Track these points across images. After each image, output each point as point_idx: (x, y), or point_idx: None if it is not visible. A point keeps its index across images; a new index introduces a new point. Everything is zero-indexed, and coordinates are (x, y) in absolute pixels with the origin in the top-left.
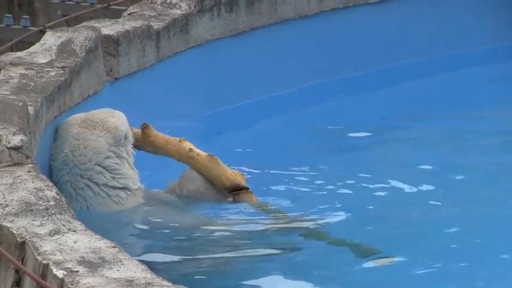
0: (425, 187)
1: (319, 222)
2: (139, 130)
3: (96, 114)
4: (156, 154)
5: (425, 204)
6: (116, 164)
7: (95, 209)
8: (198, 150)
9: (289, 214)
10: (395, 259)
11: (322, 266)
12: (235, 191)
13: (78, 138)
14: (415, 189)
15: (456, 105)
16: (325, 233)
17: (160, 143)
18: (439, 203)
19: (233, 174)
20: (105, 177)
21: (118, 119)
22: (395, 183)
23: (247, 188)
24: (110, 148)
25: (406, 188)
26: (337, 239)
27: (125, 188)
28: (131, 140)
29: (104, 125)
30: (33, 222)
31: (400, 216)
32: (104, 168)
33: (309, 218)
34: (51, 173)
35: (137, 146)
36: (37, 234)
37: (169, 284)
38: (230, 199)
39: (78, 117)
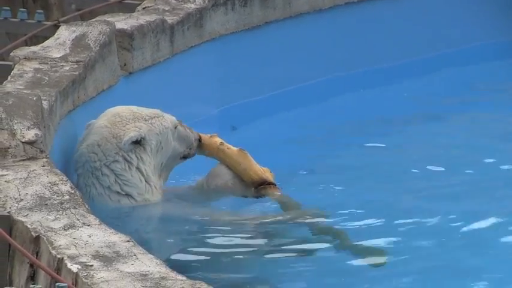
0: (441, 184)
1: (335, 219)
2: None
3: (132, 111)
4: None
5: (441, 205)
6: (123, 169)
7: (99, 206)
8: (228, 145)
9: (306, 209)
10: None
11: (337, 266)
12: (262, 185)
13: (97, 133)
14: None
15: (475, 100)
16: (342, 231)
17: None
18: (456, 203)
19: (262, 170)
20: (109, 180)
21: (144, 124)
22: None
23: (274, 184)
24: (119, 152)
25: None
26: (353, 244)
27: (128, 196)
28: (155, 147)
29: (124, 126)
30: (48, 216)
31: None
32: (111, 170)
33: (327, 214)
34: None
35: None
36: (51, 228)
37: (184, 278)
38: (254, 193)
39: (116, 109)
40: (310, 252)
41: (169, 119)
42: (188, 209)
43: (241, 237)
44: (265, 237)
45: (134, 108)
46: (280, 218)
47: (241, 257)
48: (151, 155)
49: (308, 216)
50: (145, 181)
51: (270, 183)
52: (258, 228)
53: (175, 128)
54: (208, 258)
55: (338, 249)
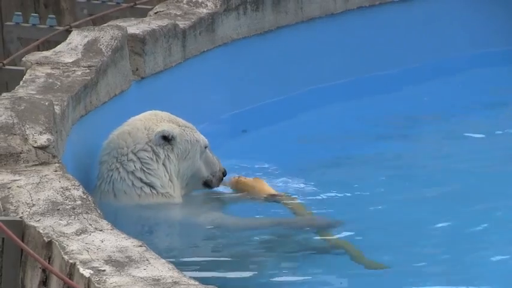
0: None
1: (347, 227)
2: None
3: (170, 116)
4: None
5: (445, 209)
6: (150, 158)
7: (119, 196)
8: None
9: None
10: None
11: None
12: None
13: (130, 124)
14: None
15: (485, 103)
16: (345, 241)
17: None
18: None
19: (275, 191)
20: (135, 166)
21: (177, 127)
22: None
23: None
24: (148, 143)
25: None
26: (354, 249)
27: (150, 186)
28: (182, 152)
29: (159, 122)
30: (60, 221)
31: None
32: (137, 157)
33: (339, 223)
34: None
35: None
36: (64, 233)
37: (196, 283)
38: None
39: (155, 111)
40: (319, 258)
41: (201, 137)
42: (197, 212)
43: (254, 243)
44: (277, 243)
45: (173, 115)
46: (290, 223)
47: (254, 261)
48: (177, 159)
49: (319, 224)
50: (169, 178)
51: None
52: (270, 234)
53: (205, 148)
54: (220, 262)
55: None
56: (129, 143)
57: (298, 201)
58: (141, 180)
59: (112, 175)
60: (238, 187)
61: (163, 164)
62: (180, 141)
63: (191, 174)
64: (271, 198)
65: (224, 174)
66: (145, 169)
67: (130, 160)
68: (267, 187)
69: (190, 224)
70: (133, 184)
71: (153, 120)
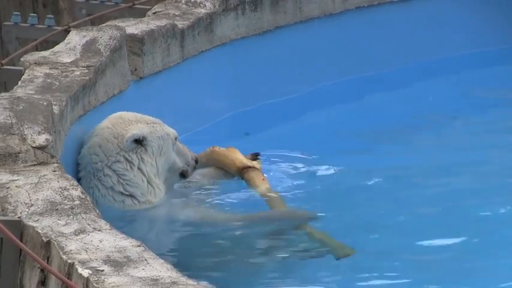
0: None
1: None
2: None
3: (135, 115)
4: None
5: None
6: (125, 169)
7: (104, 209)
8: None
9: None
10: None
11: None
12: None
13: (98, 134)
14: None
15: (485, 103)
16: (323, 232)
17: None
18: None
19: (249, 159)
20: (112, 180)
21: (146, 126)
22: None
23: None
24: (120, 152)
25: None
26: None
27: (131, 196)
28: (156, 150)
29: (126, 126)
30: (59, 221)
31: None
32: (113, 170)
33: (316, 216)
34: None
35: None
36: (62, 233)
37: (194, 283)
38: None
39: (120, 112)
40: (301, 253)
41: (170, 129)
42: (180, 209)
43: (252, 240)
44: (273, 242)
45: (137, 114)
46: (270, 217)
47: (251, 260)
48: (152, 157)
49: (298, 216)
50: (148, 182)
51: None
52: (251, 228)
53: (176, 139)
54: (219, 262)
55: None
56: (102, 157)
57: (275, 195)
58: (121, 193)
59: (93, 192)
60: (212, 157)
61: (139, 168)
62: (152, 140)
63: (167, 168)
64: (244, 170)
65: (196, 161)
66: (122, 181)
67: (106, 175)
68: (240, 156)
69: (176, 220)
70: (114, 199)
71: (121, 125)
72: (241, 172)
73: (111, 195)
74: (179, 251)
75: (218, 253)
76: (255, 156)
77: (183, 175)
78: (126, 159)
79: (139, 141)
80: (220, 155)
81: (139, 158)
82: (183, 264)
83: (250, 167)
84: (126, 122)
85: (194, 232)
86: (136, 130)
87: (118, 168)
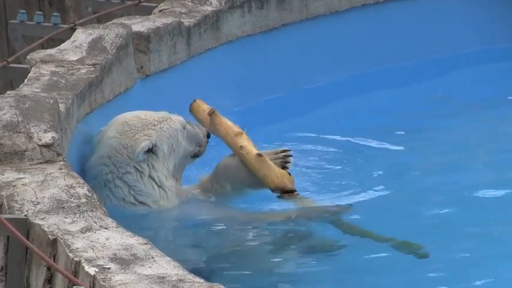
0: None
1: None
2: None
3: (140, 118)
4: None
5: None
6: (136, 180)
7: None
8: (249, 148)
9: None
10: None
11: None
12: (279, 193)
13: (106, 144)
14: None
15: (489, 99)
16: (369, 231)
17: (221, 131)
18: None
19: (280, 175)
20: (123, 192)
21: (154, 131)
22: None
23: (294, 191)
24: (130, 163)
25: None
26: (380, 236)
27: (143, 204)
28: (167, 151)
29: (134, 135)
30: (65, 219)
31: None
32: (123, 182)
33: (350, 209)
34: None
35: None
36: (69, 231)
37: (201, 281)
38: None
39: (124, 117)
40: (336, 249)
41: (177, 119)
42: (204, 209)
43: (259, 237)
44: (285, 236)
45: (141, 114)
46: (301, 215)
47: (259, 258)
48: (163, 160)
49: (330, 213)
50: (159, 187)
51: (287, 192)
52: (277, 227)
53: (184, 128)
54: (226, 260)
55: (373, 243)
56: (112, 168)
57: (304, 196)
58: (133, 204)
59: (105, 203)
60: (240, 159)
61: (150, 176)
62: (161, 144)
63: (181, 156)
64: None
65: (208, 136)
66: (133, 192)
67: (117, 187)
68: (272, 171)
69: (194, 220)
70: (125, 208)
71: (128, 134)
72: (277, 191)
73: (122, 205)
74: (204, 248)
75: (238, 252)
76: (285, 156)
77: (196, 155)
78: (137, 169)
79: (149, 150)
80: (250, 165)
81: (150, 165)
82: (209, 259)
83: (284, 189)
84: (133, 129)
85: (220, 232)
86: (145, 142)
87: (129, 179)
